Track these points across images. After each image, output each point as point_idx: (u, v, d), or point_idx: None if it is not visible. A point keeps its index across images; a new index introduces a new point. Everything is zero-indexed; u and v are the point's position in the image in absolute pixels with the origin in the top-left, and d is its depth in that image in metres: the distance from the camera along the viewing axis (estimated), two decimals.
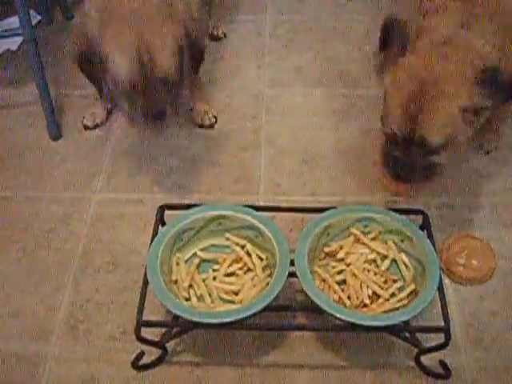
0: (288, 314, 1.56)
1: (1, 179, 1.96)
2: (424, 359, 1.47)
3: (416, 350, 1.46)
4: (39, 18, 2.57)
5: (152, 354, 1.50)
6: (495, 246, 1.72)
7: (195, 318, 1.33)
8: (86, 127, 2.09)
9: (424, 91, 1.35)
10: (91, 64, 1.65)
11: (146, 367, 1.50)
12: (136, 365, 1.49)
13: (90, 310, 1.63)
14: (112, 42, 1.55)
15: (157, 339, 1.47)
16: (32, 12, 2.49)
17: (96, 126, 2.09)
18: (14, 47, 2.49)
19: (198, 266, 1.52)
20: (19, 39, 2.44)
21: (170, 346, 1.51)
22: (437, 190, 1.87)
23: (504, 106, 1.73)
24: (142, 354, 1.49)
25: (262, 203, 1.84)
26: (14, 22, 2.54)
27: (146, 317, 1.42)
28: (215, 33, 2.45)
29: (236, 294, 1.46)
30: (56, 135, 2.08)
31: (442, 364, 1.46)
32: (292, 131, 2.09)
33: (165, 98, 1.61)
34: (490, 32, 1.46)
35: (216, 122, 2.09)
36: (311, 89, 2.24)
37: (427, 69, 1.37)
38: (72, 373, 1.51)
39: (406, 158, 1.42)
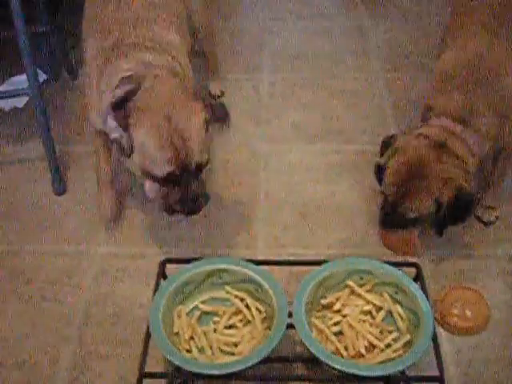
0: (287, 365, 1.61)
1: (6, 233, 2.03)
2: None
3: None
4: (45, 76, 2.68)
5: None
6: (488, 296, 1.78)
7: (196, 369, 1.38)
8: (112, 221, 2.02)
9: (411, 183, 1.72)
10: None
11: None
12: None
13: (92, 361, 1.67)
14: (145, 130, 1.54)
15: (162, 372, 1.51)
16: (38, 71, 2.61)
17: (120, 213, 2.05)
18: (20, 105, 2.59)
19: (199, 318, 1.57)
20: (26, 98, 2.55)
21: None
22: (430, 243, 1.94)
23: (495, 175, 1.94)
24: None
25: (260, 257, 1.90)
26: (20, 80, 2.65)
27: (147, 369, 1.46)
28: (213, 92, 2.54)
29: (236, 345, 1.50)
30: (61, 190, 2.16)
31: None
32: (289, 186, 2.17)
33: (201, 185, 1.63)
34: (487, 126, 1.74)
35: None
36: (307, 145, 2.34)
37: (418, 165, 1.72)
38: None
39: (393, 216, 1.79)
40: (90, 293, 1.84)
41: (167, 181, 1.58)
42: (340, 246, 1.95)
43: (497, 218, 1.99)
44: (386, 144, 1.84)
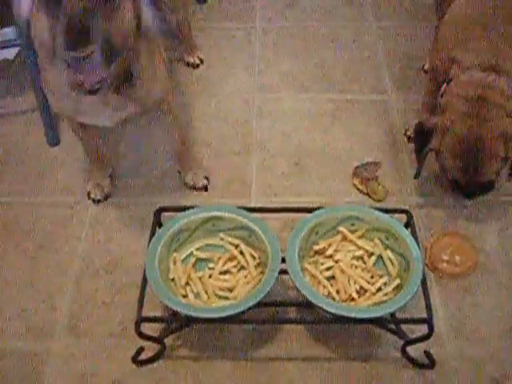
0: (281, 309, 1.65)
1: (2, 185, 2.04)
2: (410, 350, 1.56)
3: (402, 342, 1.55)
4: None
5: (151, 350, 1.58)
6: (477, 242, 1.82)
7: (192, 313, 1.41)
8: (97, 201, 1.95)
9: (474, 156, 1.71)
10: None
11: (146, 362, 1.58)
12: (136, 360, 1.57)
13: (90, 309, 1.70)
14: None
15: (156, 335, 1.55)
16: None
17: (107, 197, 1.97)
18: (11, 56, 2.57)
19: (194, 264, 1.60)
20: (16, 49, 2.52)
21: (168, 342, 1.59)
22: (422, 190, 1.97)
23: None
24: (141, 350, 1.57)
25: (254, 205, 1.92)
26: (9, 31, 2.62)
27: (144, 314, 1.50)
28: (191, 60, 2.45)
29: (230, 290, 1.54)
30: (54, 141, 2.16)
31: (427, 354, 1.55)
32: (282, 135, 2.18)
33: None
34: None
35: (209, 182, 2.00)
36: (300, 93, 2.33)
37: (472, 137, 1.69)
38: (74, 369, 1.58)
39: (473, 189, 1.82)
40: (86, 242, 1.87)
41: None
42: (332, 195, 1.98)
43: None
44: (420, 131, 1.79)
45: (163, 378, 1.56)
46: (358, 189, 1.98)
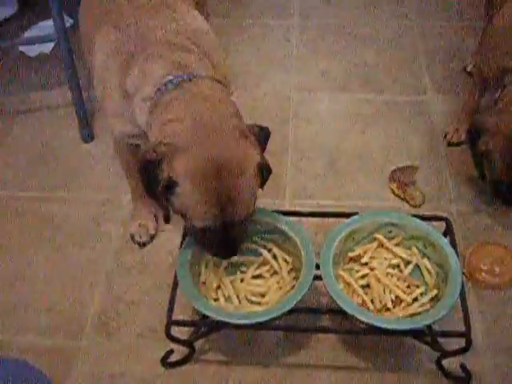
0: (313, 316, 1.62)
1: (36, 180, 2.05)
2: (445, 363, 1.52)
3: (437, 354, 1.51)
4: (72, 21, 2.66)
5: (180, 352, 1.57)
6: None
7: (223, 318, 1.40)
8: (142, 244, 1.83)
9: None
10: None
11: (174, 365, 1.57)
12: (165, 362, 1.56)
13: (120, 308, 1.70)
14: (189, 181, 1.28)
15: (185, 338, 1.54)
16: (64, 15, 2.59)
17: (152, 238, 1.85)
18: (48, 50, 2.59)
19: (227, 268, 1.58)
20: (52, 43, 2.54)
21: (197, 345, 1.58)
22: (462, 196, 1.92)
23: None
24: (170, 352, 1.56)
25: (288, 207, 1.90)
26: (46, 25, 2.64)
27: (174, 317, 1.48)
28: None
29: (263, 295, 1.52)
30: (88, 137, 2.17)
31: (463, 368, 1.51)
32: (318, 136, 2.15)
33: (241, 235, 1.42)
34: None
35: None
36: (337, 94, 2.30)
37: None
38: (103, 368, 1.58)
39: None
40: (118, 240, 1.87)
41: (204, 231, 1.38)
42: (368, 199, 1.94)
43: None
44: (474, 131, 1.78)
45: (192, 381, 1.55)
46: (395, 193, 1.94)
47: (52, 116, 2.28)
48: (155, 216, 1.88)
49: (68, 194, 2.00)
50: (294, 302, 1.41)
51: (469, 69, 2.30)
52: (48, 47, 2.59)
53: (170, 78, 1.35)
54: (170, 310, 1.47)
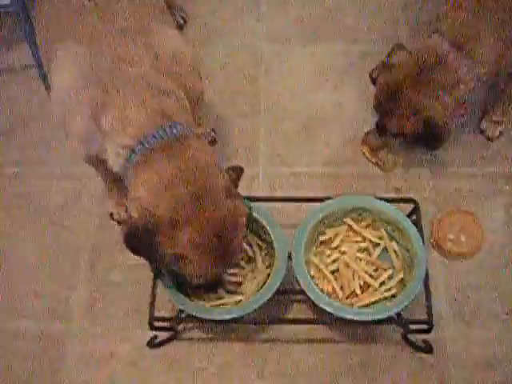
0: (287, 301, 1.74)
1: (9, 154, 2.07)
2: (410, 336, 1.66)
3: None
4: None
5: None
6: (484, 219, 1.86)
7: (198, 314, 1.52)
8: (122, 222, 1.88)
9: (388, 105, 1.80)
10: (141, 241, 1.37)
11: (159, 345, 1.70)
12: (151, 344, 1.69)
13: (104, 289, 1.81)
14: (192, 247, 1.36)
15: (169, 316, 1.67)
16: None
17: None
18: (8, 1, 2.47)
19: None
20: None
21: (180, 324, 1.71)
22: (429, 160, 1.98)
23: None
24: (155, 337, 1.69)
25: (261, 178, 1.96)
26: None
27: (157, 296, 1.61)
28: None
29: (239, 284, 1.62)
30: None
31: (425, 342, 1.65)
32: (291, 94, 2.16)
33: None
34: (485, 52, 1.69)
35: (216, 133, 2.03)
36: (310, 45, 2.28)
37: (396, 89, 1.76)
38: (92, 350, 1.72)
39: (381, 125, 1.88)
40: (98, 217, 1.93)
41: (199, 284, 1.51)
42: (340, 163, 2.00)
43: (501, 133, 2.00)
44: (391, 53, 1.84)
45: (176, 359, 1.70)
46: (367, 157, 1.99)
47: (19, 79, 2.25)
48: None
49: (44, 169, 2.03)
50: (267, 298, 1.52)
51: None
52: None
53: (153, 132, 1.36)
54: (152, 305, 1.58)
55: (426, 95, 1.70)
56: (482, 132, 2.01)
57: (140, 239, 1.34)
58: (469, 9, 1.70)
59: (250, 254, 1.66)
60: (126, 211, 1.85)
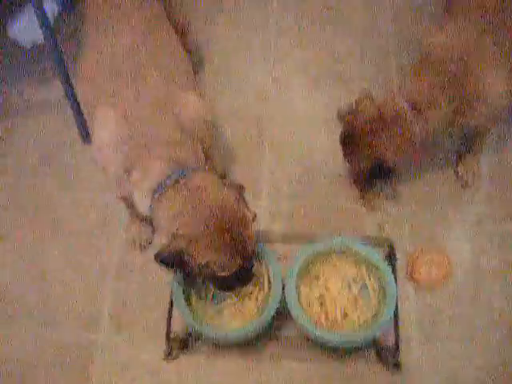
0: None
1: (43, 183, 2.41)
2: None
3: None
4: (58, 9, 2.80)
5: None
6: (453, 257, 2.20)
7: (206, 333, 1.89)
8: (143, 248, 2.24)
9: (350, 144, 2.14)
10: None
11: (173, 355, 2.05)
12: (167, 354, 2.05)
13: (127, 305, 2.15)
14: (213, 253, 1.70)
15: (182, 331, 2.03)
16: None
17: (150, 243, 2.25)
18: (40, 40, 2.73)
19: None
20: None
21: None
22: (411, 206, 2.33)
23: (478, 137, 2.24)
24: (171, 348, 2.04)
25: (264, 211, 2.31)
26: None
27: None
28: None
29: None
30: (86, 138, 2.46)
31: (395, 362, 2.00)
32: (294, 138, 2.50)
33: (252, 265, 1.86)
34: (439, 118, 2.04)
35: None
36: (311, 91, 2.61)
37: (357, 133, 2.10)
38: (116, 358, 2.07)
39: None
40: (122, 241, 2.27)
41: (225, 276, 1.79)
42: (331, 200, 2.35)
43: (473, 179, 2.33)
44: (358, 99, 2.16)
45: (187, 367, 2.05)
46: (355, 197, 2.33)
47: (51, 114, 2.58)
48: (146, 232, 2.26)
49: (74, 196, 2.38)
50: (262, 324, 1.88)
51: None
52: (40, 36, 2.74)
53: (169, 174, 1.73)
54: (169, 322, 1.94)
55: (380, 139, 2.04)
56: (457, 175, 2.34)
57: (171, 258, 1.71)
58: (427, 79, 2.02)
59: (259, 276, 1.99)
60: (147, 239, 2.24)
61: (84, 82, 1.93)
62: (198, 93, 1.97)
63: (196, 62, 2.65)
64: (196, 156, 1.82)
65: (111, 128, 1.77)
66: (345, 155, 2.18)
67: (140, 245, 2.26)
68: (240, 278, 1.83)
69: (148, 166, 1.75)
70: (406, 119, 2.01)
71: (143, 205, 1.81)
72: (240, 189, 1.81)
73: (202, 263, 1.70)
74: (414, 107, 2.01)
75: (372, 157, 2.07)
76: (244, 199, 1.81)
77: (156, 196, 1.74)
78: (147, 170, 1.75)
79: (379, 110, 2.05)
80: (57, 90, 2.58)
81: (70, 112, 2.47)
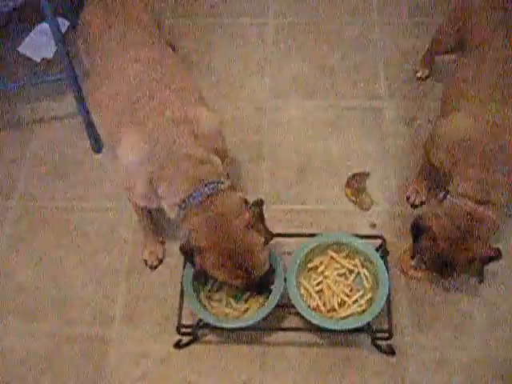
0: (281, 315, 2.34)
1: (56, 191, 2.69)
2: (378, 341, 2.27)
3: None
4: (68, 23, 3.09)
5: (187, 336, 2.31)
6: None
7: (213, 323, 2.14)
8: (153, 268, 2.48)
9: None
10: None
11: (184, 346, 2.31)
12: (177, 345, 2.30)
13: (139, 302, 2.41)
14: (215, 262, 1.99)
15: (192, 323, 2.25)
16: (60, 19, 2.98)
17: (161, 261, 2.50)
18: (50, 55, 3.05)
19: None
20: (54, 46, 2.95)
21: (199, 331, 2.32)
22: (400, 206, 2.60)
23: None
24: (180, 340, 2.30)
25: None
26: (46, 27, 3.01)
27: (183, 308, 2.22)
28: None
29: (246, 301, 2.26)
30: (98, 148, 2.75)
31: (389, 347, 2.25)
32: (289, 144, 2.77)
33: (264, 282, 2.13)
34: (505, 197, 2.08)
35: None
36: (305, 100, 2.90)
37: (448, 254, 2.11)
38: (130, 350, 2.32)
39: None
40: (132, 245, 2.54)
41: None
42: (328, 203, 2.61)
43: None
44: (415, 226, 2.16)
45: (196, 357, 2.30)
46: (349, 198, 2.60)
47: (63, 126, 2.86)
48: (162, 242, 2.53)
49: (87, 204, 2.65)
50: (265, 314, 2.14)
51: (418, 74, 2.88)
52: (49, 52, 3.05)
53: (192, 193, 1.98)
54: (180, 315, 2.19)
55: (473, 247, 2.05)
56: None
57: (189, 253, 2.02)
58: (470, 169, 2.05)
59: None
60: (157, 259, 2.51)
61: (101, 110, 2.16)
62: (208, 108, 2.21)
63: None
64: (216, 169, 2.06)
65: (137, 151, 2.00)
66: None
67: (151, 266, 2.50)
68: (249, 288, 2.12)
69: (173, 182, 1.99)
70: (483, 218, 2.03)
71: (171, 214, 2.08)
72: (260, 204, 2.07)
73: (204, 270, 2.01)
74: (479, 201, 2.05)
75: (474, 260, 2.09)
76: (262, 216, 2.06)
77: (182, 211, 2.01)
78: (173, 186, 1.99)
79: (453, 223, 2.05)
80: (65, 104, 2.90)
81: (79, 125, 2.76)
